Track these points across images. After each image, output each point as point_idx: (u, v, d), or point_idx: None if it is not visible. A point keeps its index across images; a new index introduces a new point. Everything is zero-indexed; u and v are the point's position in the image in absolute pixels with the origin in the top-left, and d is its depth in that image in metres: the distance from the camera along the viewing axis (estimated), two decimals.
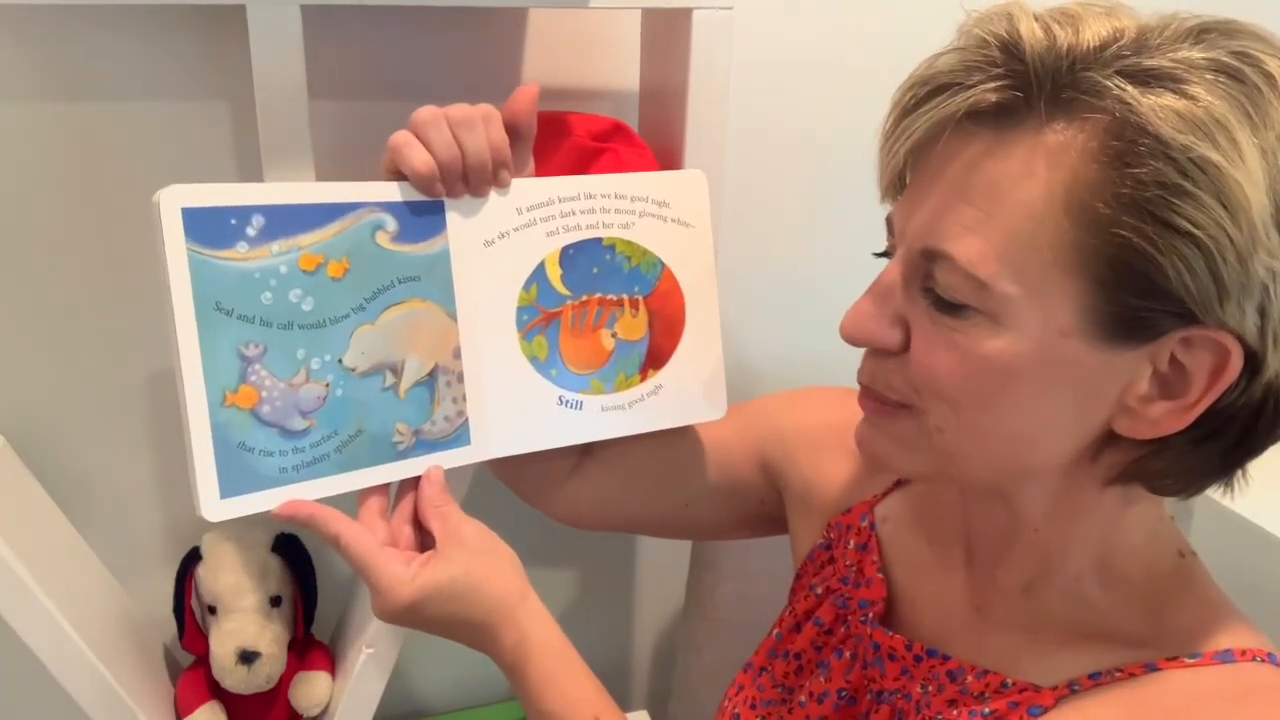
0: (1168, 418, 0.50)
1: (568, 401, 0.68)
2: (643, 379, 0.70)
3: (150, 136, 0.87)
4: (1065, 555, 0.58)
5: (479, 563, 0.61)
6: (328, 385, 0.59)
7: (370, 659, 0.87)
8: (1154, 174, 0.45)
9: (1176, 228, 0.45)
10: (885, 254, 0.58)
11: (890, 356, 0.54)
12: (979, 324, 0.50)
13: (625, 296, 0.69)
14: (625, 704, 1.25)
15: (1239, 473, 0.54)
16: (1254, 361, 0.48)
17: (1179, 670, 0.53)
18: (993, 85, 0.48)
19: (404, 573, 0.59)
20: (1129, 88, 0.46)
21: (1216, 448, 0.52)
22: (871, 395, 0.57)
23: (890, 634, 0.63)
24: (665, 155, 0.84)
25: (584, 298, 0.68)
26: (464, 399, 0.64)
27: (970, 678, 0.58)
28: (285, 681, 0.90)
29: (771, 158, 1.06)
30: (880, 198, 0.58)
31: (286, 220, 0.57)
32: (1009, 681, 0.57)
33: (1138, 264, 0.46)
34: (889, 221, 0.56)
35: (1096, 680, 0.54)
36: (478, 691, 1.19)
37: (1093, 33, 0.48)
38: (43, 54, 0.83)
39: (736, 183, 1.03)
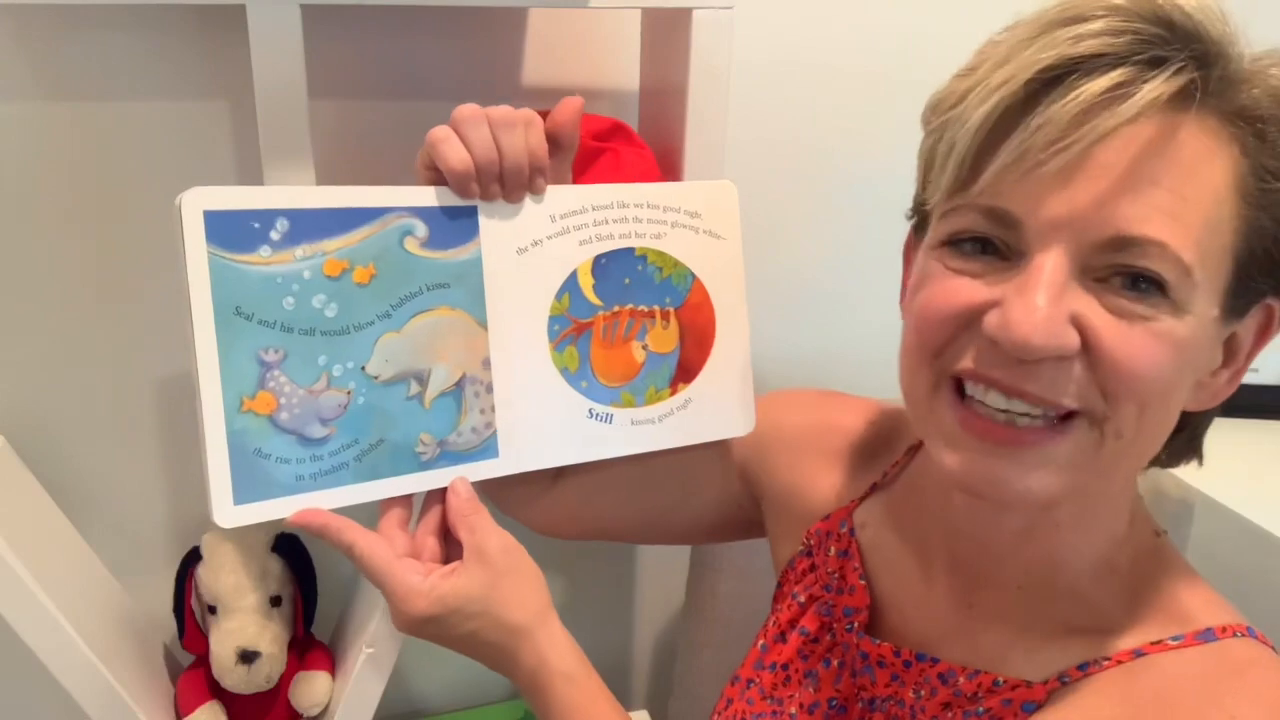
0: (1225, 386, 0.53)
1: (598, 415, 0.67)
2: (673, 392, 0.69)
3: (150, 136, 0.87)
4: (1073, 555, 0.58)
5: (501, 584, 0.59)
6: (349, 393, 0.58)
7: (370, 659, 0.87)
8: None
9: None
10: (976, 242, 0.51)
11: (1066, 361, 0.48)
12: (1165, 311, 0.48)
13: (657, 308, 0.68)
14: (625, 704, 1.25)
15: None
16: None
17: (1164, 654, 0.53)
18: (1182, 65, 0.46)
19: (421, 584, 0.58)
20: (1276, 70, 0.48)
21: (1205, 416, 0.56)
22: (1009, 423, 0.50)
23: (877, 642, 0.62)
24: (665, 155, 0.84)
25: (615, 308, 0.66)
26: (492, 410, 0.63)
27: (962, 679, 0.58)
28: (285, 681, 0.90)
29: (771, 157, 1.06)
30: (952, 192, 0.50)
31: (312, 224, 0.56)
32: (1000, 680, 0.57)
33: (1274, 247, 0.49)
34: (990, 213, 0.49)
35: (1085, 671, 0.54)
36: (477, 691, 1.19)
37: (1221, 13, 0.48)
38: (43, 54, 0.83)
39: (736, 182, 1.03)
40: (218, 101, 0.88)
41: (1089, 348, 0.48)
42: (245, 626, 0.86)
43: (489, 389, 0.62)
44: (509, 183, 0.61)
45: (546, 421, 0.65)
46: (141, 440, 0.95)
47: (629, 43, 0.93)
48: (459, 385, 0.61)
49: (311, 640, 0.95)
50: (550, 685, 0.59)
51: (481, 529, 0.61)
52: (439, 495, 0.63)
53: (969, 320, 0.50)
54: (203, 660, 0.90)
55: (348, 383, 0.58)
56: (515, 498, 0.77)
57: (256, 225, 0.55)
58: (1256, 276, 0.50)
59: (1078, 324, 0.48)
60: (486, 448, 0.63)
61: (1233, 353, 0.52)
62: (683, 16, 0.79)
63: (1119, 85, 0.46)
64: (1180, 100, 0.46)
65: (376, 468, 0.60)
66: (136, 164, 0.88)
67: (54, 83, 0.84)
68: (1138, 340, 0.48)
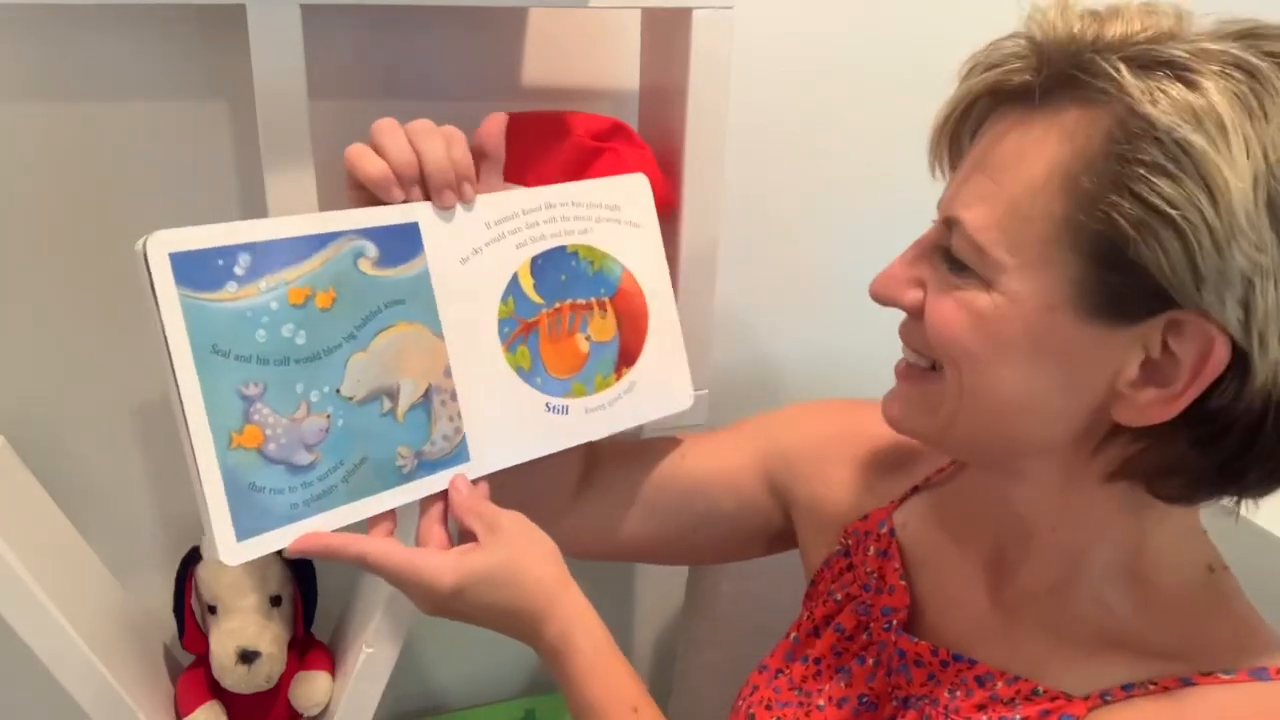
0: (1155, 406, 0.50)
1: (554, 407, 0.69)
2: (618, 377, 0.72)
3: (150, 136, 0.87)
4: (1083, 557, 0.58)
5: (521, 552, 0.61)
6: (329, 416, 0.60)
7: (370, 659, 0.86)
8: (1139, 153, 0.47)
9: (1155, 207, 0.46)
10: None
11: (917, 319, 0.57)
12: (976, 284, 0.53)
13: (594, 300, 0.71)
14: None
15: (1245, 497, 0.54)
16: (1243, 361, 0.48)
17: (1214, 686, 0.53)
18: (1016, 68, 0.52)
19: (444, 561, 0.60)
20: (1125, 71, 0.48)
21: (1213, 456, 0.52)
22: (905, 362, 0.61)
23: (915, 640, 0.63)
24: (665, 155, 0.84)
25: (557, 305, 0.69)
26: (459, 416, 0.65)
27: (1000, 684, 0.58)
28: (285, 681, 0.90)
29: (772, 157, 1.06)
30: (930, 171, 0.61)
31: (271, 256, 0.57)
32: (1040, 689, 0.57)
33: (1118, 241, 0.48)
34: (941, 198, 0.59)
35: (1130, 692, 0.54)
36: (478, 691, 1.19)
37: (1123, 25, 0.50)
38: (43, 54, 0.83)
39: (737, 182, 1.03)
40: (218, 101, 0.88)
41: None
42: (245, 626, 0.86)
43: (453, 396, 0.65)
44: (434, 183, 0.62)
45: (509, 420, 0.67)
46: (141, 440, 0.95)
47: (629, 43, 0.93)
48: (426, 396, 0.63)
49: (311, 640, 0.95)
50: (574, 647, 0.62)
51: (490, 512, 0.63)
52: (437, 495, 0.64)
53: None
54: (203, 660, 0.90)
55: (326, 407, 0.59)
56: (536, 517, 0.77)
57: (221, 262, 0.56)
58: (1114, 275, 0.49)
59: (923, 289, 0.57)
60: (459, 453, 0.65)
61: (1171, 372, 0.50)
62: (683, 16, 0.79)
63: (979, 90, 0.55)
64: (1030, 99, 0.52)
65: (364, 486, 0.61)
66: (136, 164, 0.88)
67: (54, 83, 0.84)
68: (941, 305, 0.55)
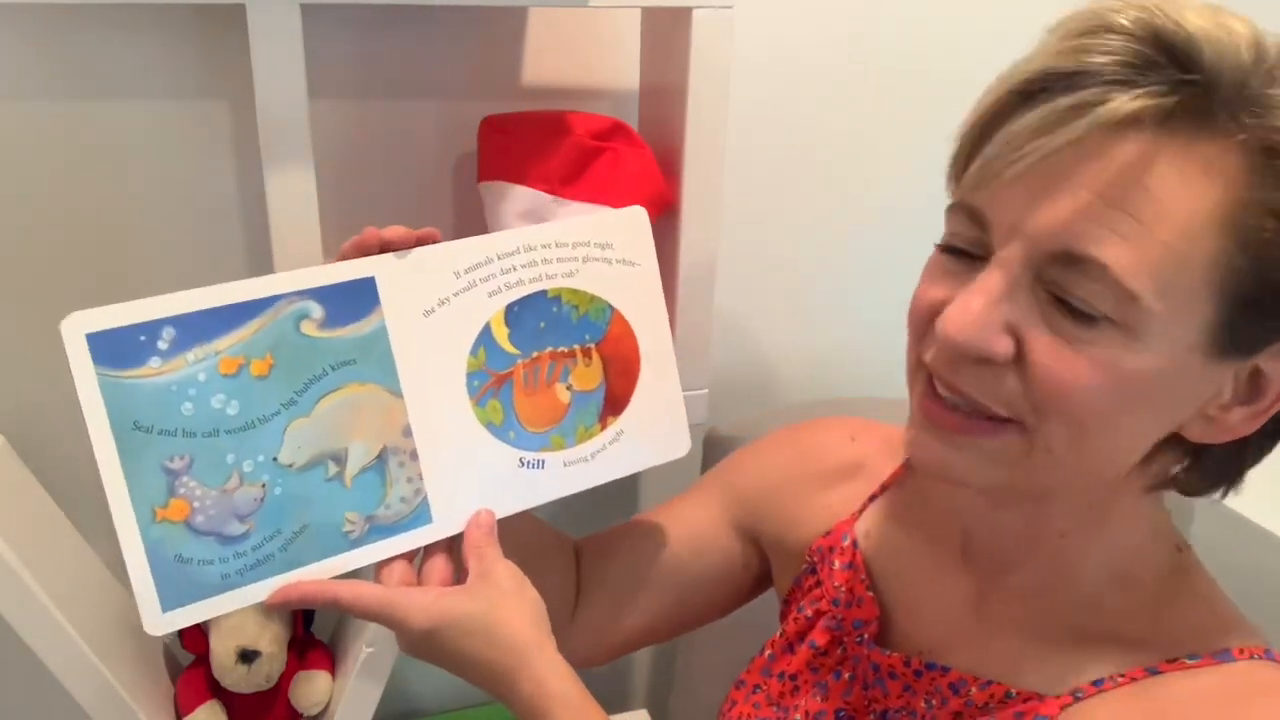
0: (1243, 422, 0.50)
1: (529, 463, 0.66)
2: (603, 427, 0.68)
3: (150, 136, 0.87)
4: (1084, 562, 0.57)
5: (503, 603, 0.59)
6: (264, 486, 0.58)
7: (370, 659, 0.87)
8: None
9: None
10: (953, 249, 0.53)
11: (994, 366, 0.49)
12: (1112, 337, 0.47)
13: (577, 347, 0.67)
14: (625, 703, 1.25)
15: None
16: None
17: (1179, 673, 0.53)
18: (1163, 88, 0.45)
19: (421, 598, 0.58)
20: None
21: (1249, 448, 0.53)
22: (960, 411, 0.52)
23: (888, 653, 0.62)
24: (665, 155, 0.84)
25: (534, 354, 0.65)
26: (420, 477, 0.62)
27: (974, 689, 0.58)
28: (285, 680, 0.90)
29: (772, 157, 1.06)
30: (950, 183, 0.53)
31: (199, 327, 0.56)
32: (1013, 692, 0.56)
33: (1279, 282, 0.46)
34: (970, 211, 0.51)
35: (1099, 687, 0.54)
36: (477, 691, 1.18)
37: (1244, 35, 0.46)
38: (43, 54, 0.83)
39: (737, 182, 1.03)
40: (218, 101, 0.88)
41: (1021, 359, 0.49)
42: (245, 626, 0.86)
43: (413, 456, 0.62)
44: (395, 244, 0.61)
45: (477, 478, 0.64)
46: None
47: (629, 42, 0.93)
48: (380, 458, 0.61)
49: (311, 639, 0.95)
50: (548, 709, 0.58)
51: (490, 556, 0.61)
52: (445, 542, 0.63)
53: (932, 316, 0.51)
54: (203, 660, 0.90)
55: (261, 476, 0.58)
56: None
57: (143, 338, 0.55)
58: (1267, 318, 0.47)
59: (1015, 333, 0.49)
60: (418, 515, 0.62)
61: (1258, 390, 0.50)
62: (683, 16, 0.79)
63: (1084, 103, 0.46)
64: (1161, 122, 0.45)
65: (303, 554, 0.59)
66: (136, 164, 0.88)
67: (54, 83, 0.84)
68: (1071, 362, 0.48)
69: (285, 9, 0.71)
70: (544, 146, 0.82)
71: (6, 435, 0.89)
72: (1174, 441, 0.52)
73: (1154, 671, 0.53)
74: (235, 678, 0.86)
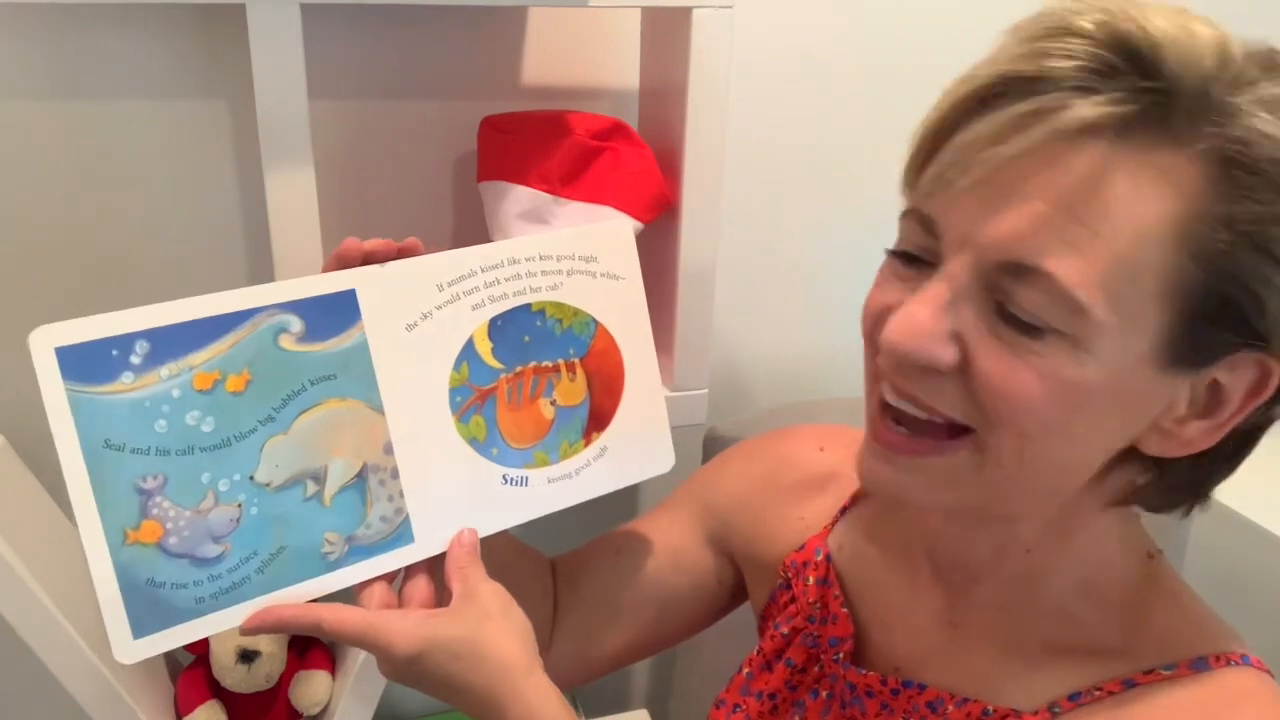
0: (1201, 436, 0.49)
1: (512, 479, 0.64)
2: (587, 443, 0.67)
3: (150, 136, 0.87)
4: (1051, 576, 0.57)
5: (489, 625, 0.57)
6: (240, 506, 0.56)
7: (370, 659, 0.87)
8: (1268, 204, 0.44)
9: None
10: (905, 254, 0.52)
11: (939, 374, 0.49)
12: (1059, 348, 0.46)
13: (561, 361, 0.65)
14: (625, 703, 1.25)
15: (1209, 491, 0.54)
16: None
17: (1157, 684, 0.52)
18: (1124, 95, 0.44)
19: (403, 622, 0.56)
20: (1264, 114, 0.44)
21: (1212, 465, 0.51)
22: (908, 428, 0.51)
23: (864, 672, 0.62)
24: (665, 155, 0.85)
25: (518, 369, 0.64)
26: (401, 496, 0.60)
27: (950, 707, 0.57)
28: (285, 680, 0.90)
29: (771, 157, 1.06)
30: (904, 188, 0.52)
31: (174, 341, 0.54)
32: (990, 709, 0.56)
33: (1242, 299, 0.45)
34: (922, 219, 0.50)
35: (1076, 701, 0.54)
36: None
37: (1208, 41, 0.45)
38: (43, 54, 0.83)
39: (737, 182, 1.03)
40: (218, 101, 0.88)
41: (967, 369, 0.48)
42: None
43: (394, 474, 0.60)
44: (377, 255, 0.59)
45: (460, 496, 0.62)
46: None
47: (629, 42, 0.93)
48: (361, 476, 0.59)
49: (311, 639, 0.95)
50: None
51: (475, 577, 0.59)
52: (426, 562, 0.61)
53: (882, 322, 0.51)
54: (203, 659, 0.90)
55: (237, 496, 0.56)
56: None
57: (115, 352, 0.52)
58: (1221, 330, 0.46)
59: (960, 342, 0.48)
60: (400, 534, 0.60)
61: (1217, 403, 0.48)
62: (683, 16, 0.79)
63: (1043, 109, 0.44)
64: (1120, 130, 0.44)
65: (281, 576, 0.57)
66: (136, 164, 0.88)
67: (54, 83, 0.84)
68: (1017, 372, 0.47)
69: (285, 9, 0.71)
70: (544, 146, 0.82)
71: (6, 435, 0.89)
72: (1133, 455, 0.51)
73: (1131, 684, 0.53)
74: (235, 678, 0.86)
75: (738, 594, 0.77)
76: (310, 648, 0.94)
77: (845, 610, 0.64)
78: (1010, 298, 0.46)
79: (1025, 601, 0.57)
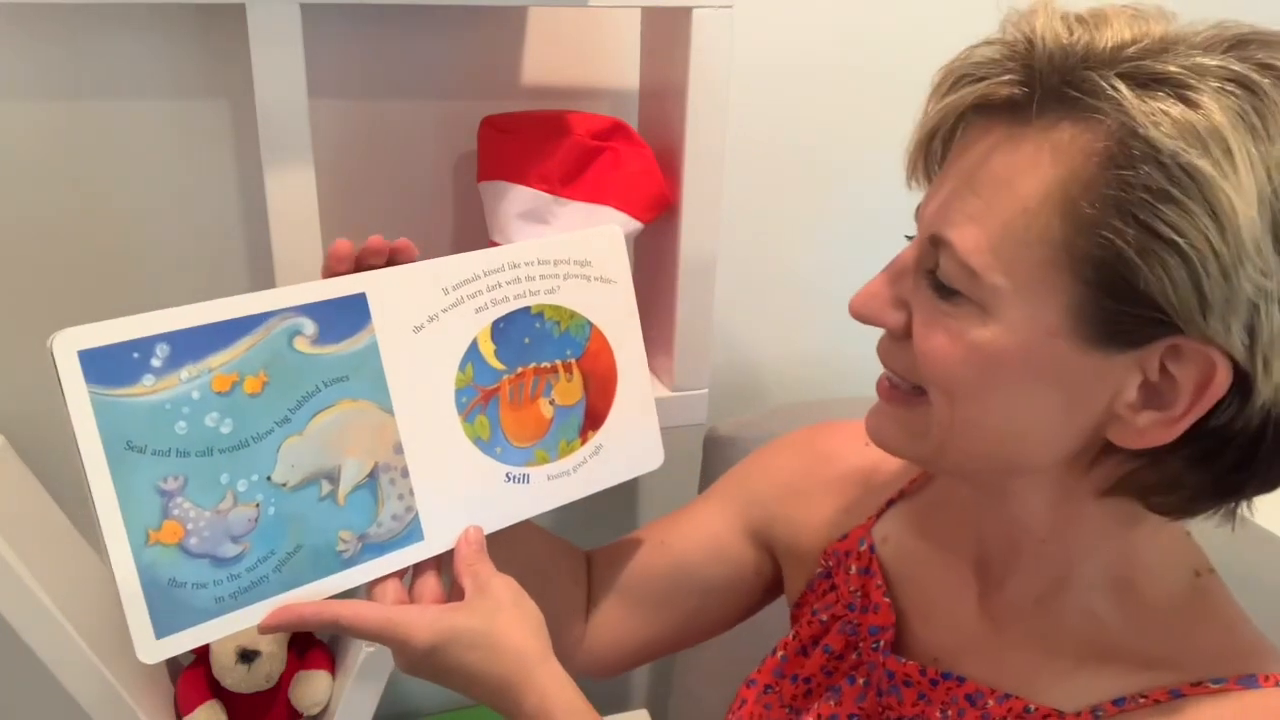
0: (1154, 428, 0.49)
1: (515, 477, 0.66)
2: (584, 441, 0.69)
3: (150, 136, 0.87)
4: (1072, 568, 0.57)
5: (503, 616, 0.59)
6: (258, 506, 0.57)
7: (370, 658, 0.87)
8: (1142, 178, 0.45)
9: (1159, 234, 0.44)
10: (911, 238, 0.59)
11: (900, 340, 0.55)
12: (968, 312, 0.51)
13: (559, 362, 0.68)
14: (625, 703, 1.25)
15: (1241, 503, 0.53)
16: (1244, 382, 0.47)
17: (1204, 697, 0.52)
18: (1004, 79, 0.49)
19: (421, 617, 0.58)
20: (1125, 90, 0.46)
21: (1212, 471, 0.51)
22: (888, 381, 0.58)
23: (904, 661, 0.62)
24: (665, 155, 0.85)
25: (519, 370, 0.66)
26: (411, 494, 0.62)
27: (991, 702, 0.58)
28: (285, 680, 0.90)
29: (771, 157, 1.06)
30: (906, 182, 0.58)
31: (193, 344, 0.55)
32: (1032, 707, 0.56)
33: (1120, 268, 0.46)
34: (919, 209, 0.56)
35: (1121, 706, 0.54)
36: None
37: (1113, 33, 0.47)
38: (43, 54, 0.83)
39: (737, 182, 1.03)
40: (218, 101, 0.88)
41: (909, 332, 0.54)
42: None
43: (404, 474, 0.62)
44: (369, 253, 0.61)
45: (466, 494, 0.64)
46: None
47: (629, 42, 0.93)
48: (372, 476, 0.60)
49: (311, 639, 0.95)
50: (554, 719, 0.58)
51: (485, 571, 0.61)
52: (433, 559, 0.63)
53: None
54: (203, 659, 0.90)
55: (255, 496, 0.57)
56: (558, 650, 0.72)
57: (136, 355, 0.53)
58: (1115, 302, 0.47)
59: (906, 308, 0.54)
60: (410, 532, 0.62)
61: (1172, 395, 0.48)
62: (683, 16, 0.79)
63: (968, 85, 0.51)
64: (1020, 112, 0.49)
65: (298, 575, 0.59)
66: (136, 164, 0.88)
67: (54, 83, 0.84)
68: (933, 333, 0.52)
69: (285, 9, 0.71)
70: (544, 146, 0.82)
71: (6, 435, 0.89)
72: (1111, 444, 0.51)
73: (1178, 694, 0.53)
74: (235, 677, 0.86)
75: (772, 589, 0.78)
76: (310, 648, 0.94)
77: (887, 600, 0.65)
78: (933, 267, 0.52)
79: (1055, 596, 0.58)
